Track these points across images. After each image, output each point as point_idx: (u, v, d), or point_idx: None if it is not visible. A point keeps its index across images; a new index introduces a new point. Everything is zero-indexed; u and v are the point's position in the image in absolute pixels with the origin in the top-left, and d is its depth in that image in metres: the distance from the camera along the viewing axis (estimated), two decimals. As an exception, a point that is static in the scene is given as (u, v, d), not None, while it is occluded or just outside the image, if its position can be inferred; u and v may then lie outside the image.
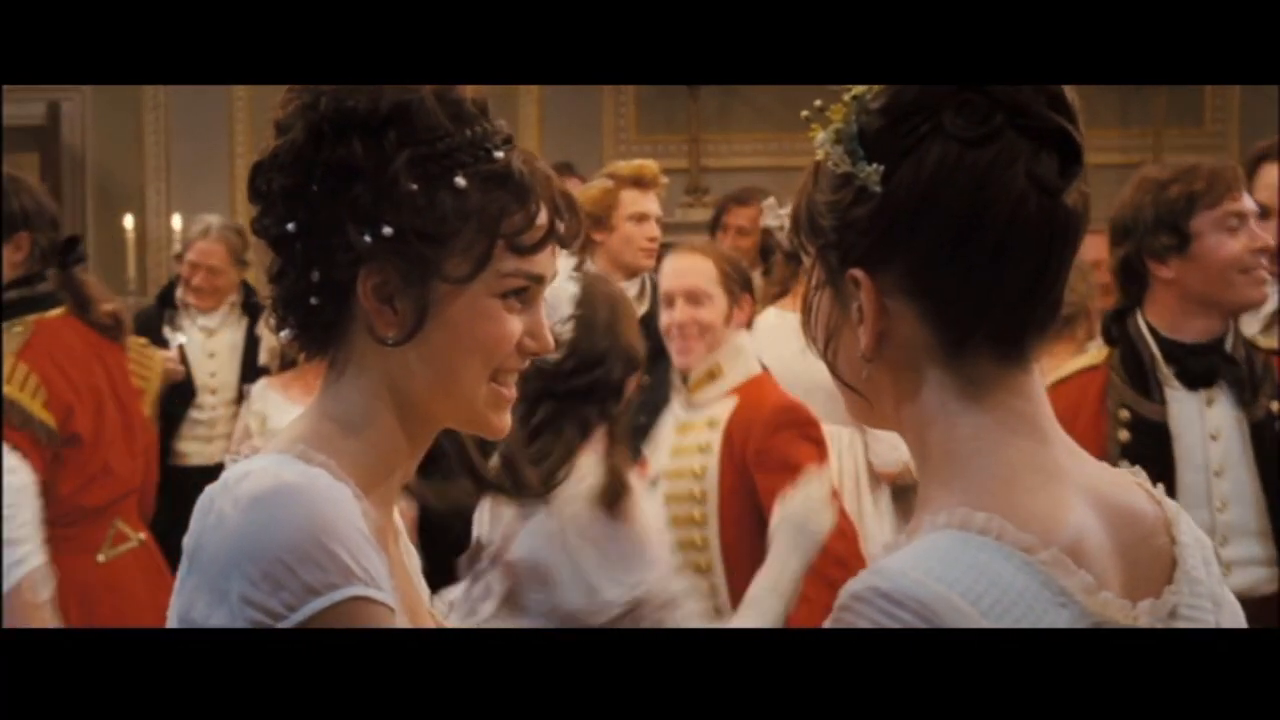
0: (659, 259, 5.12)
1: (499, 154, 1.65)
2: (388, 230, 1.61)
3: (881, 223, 1.38)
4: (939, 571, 1.29)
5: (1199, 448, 3.37)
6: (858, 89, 1.42)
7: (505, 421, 1.71)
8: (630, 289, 5.15)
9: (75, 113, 9.09)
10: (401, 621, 1.62)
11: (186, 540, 1.58)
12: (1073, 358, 5.47)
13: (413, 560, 1.81)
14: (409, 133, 1.62)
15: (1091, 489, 1.41)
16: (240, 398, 5.82)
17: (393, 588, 1.60)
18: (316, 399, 1.71)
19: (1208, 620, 1.41)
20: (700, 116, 9.42)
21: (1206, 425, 3.37)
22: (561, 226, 1.69)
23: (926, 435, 1.41)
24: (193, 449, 5.84)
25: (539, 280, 1.69)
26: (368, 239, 1.61)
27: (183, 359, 5.87)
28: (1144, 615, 1.37)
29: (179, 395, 5.78)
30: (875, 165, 1.38)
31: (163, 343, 5.84)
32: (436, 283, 1.64)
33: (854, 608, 1.29)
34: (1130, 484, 1.46)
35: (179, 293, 6.04)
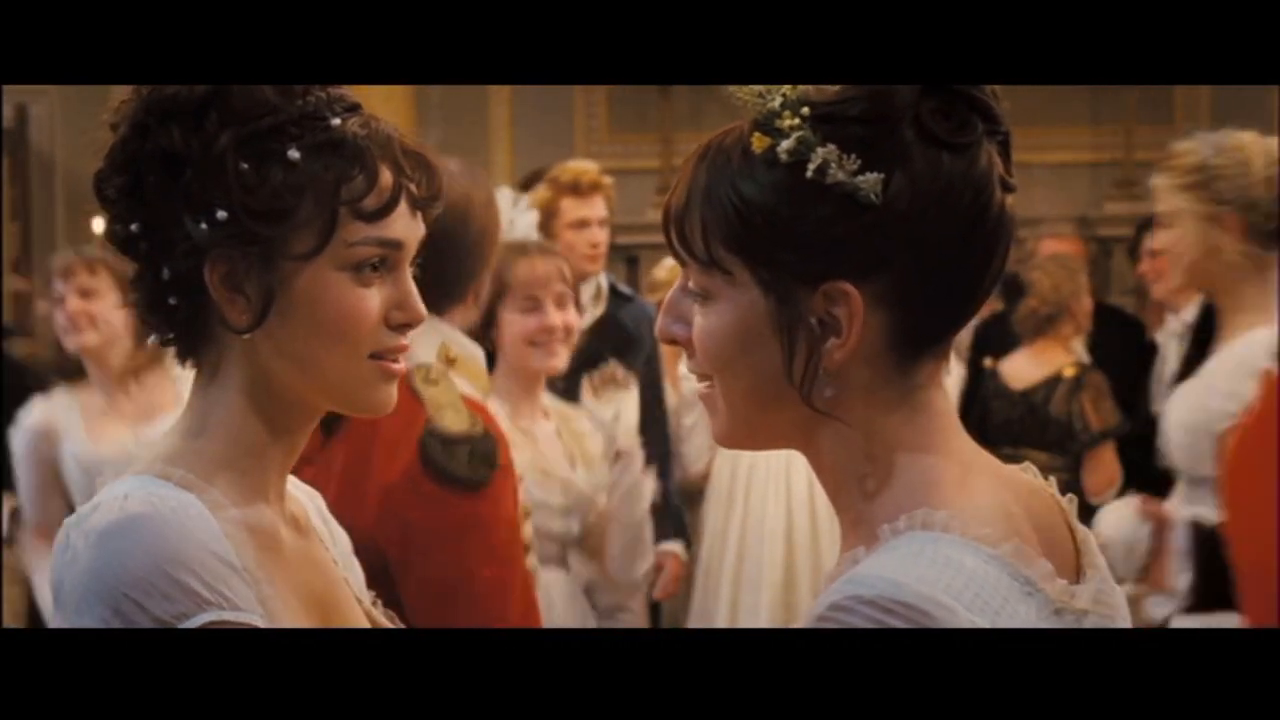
0: (634, 263, 5.11)
1: (335, 121, 1.59)
2: (222, 214, 1.56)
3: (879, 235, 1.35)
4: (917, 572, 1.28)
5: None
6: (767, 97, 1.37)
7: (387, 397, 1.64)
8: (584, 291, 5.16)
9: (44, 115, 9.05)
10: (302, 614, 1.60)
11: (50, 576, 1.55)
12: (1060, 355, 5.49)
13: (338, 546, 1.77)
14: (231, 113, 1.57)
15: (1007, 478, 1.43)
16: None
17: (274, 593, 1.56)
18: (186, 406, 1.66)
19: (1121, 604, 1.43)
20: (672, 116, 9.40)
21: None
22: (412, 187, 1.62)
23: (871, 445, 1.39)
24: None
25: (396, 247, 1.61)
26: (204, 226, 1.56)
27: None
28: (1082, 599, 1.38)
29: None
30: (875, 174, 1.35)
31: None
32: (284, 263, 1.58)
33: (836, 618, 1.28)
34: (1027, 473, 1.48)
35: None
